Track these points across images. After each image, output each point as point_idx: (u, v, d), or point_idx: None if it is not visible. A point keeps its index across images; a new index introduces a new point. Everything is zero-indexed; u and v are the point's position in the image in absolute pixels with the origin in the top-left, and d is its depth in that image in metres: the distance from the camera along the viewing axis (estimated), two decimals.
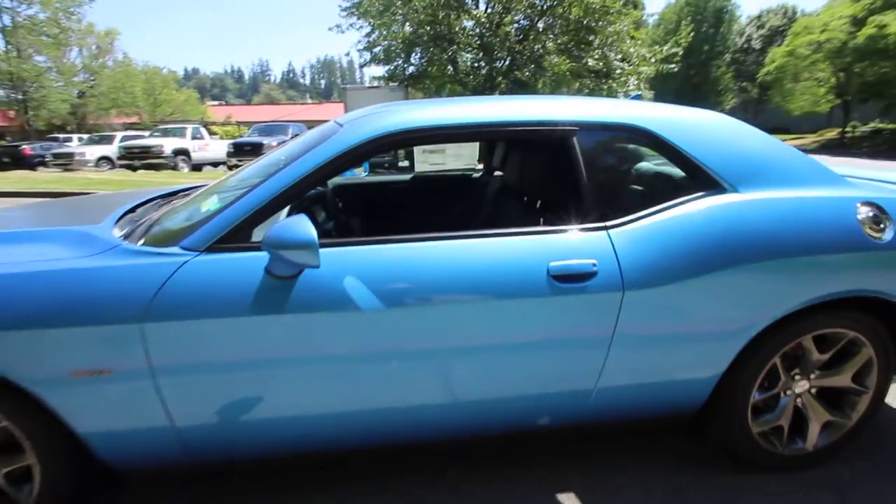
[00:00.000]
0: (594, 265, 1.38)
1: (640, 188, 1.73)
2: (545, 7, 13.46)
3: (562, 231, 1.43)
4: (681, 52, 14.74)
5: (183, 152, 15.27)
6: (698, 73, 36.00)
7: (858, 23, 22.64)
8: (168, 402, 1.27)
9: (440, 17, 13.00)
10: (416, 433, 1.49)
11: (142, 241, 1.39)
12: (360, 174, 2.99)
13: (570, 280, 1.37)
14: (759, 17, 45.22)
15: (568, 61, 13.30)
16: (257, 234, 1.31)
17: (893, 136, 22.85)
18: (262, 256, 1.28)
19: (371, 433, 1.46)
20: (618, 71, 13.77)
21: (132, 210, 1.80)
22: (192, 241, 1.30)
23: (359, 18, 13.85)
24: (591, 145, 1.51)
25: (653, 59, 14.09)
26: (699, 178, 1.51)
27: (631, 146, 2.01)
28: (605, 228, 1.43)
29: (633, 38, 14.04)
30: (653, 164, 2.31)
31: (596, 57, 13.50)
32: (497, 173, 2.75)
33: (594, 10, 12.99)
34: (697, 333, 1.47)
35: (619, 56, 13.85)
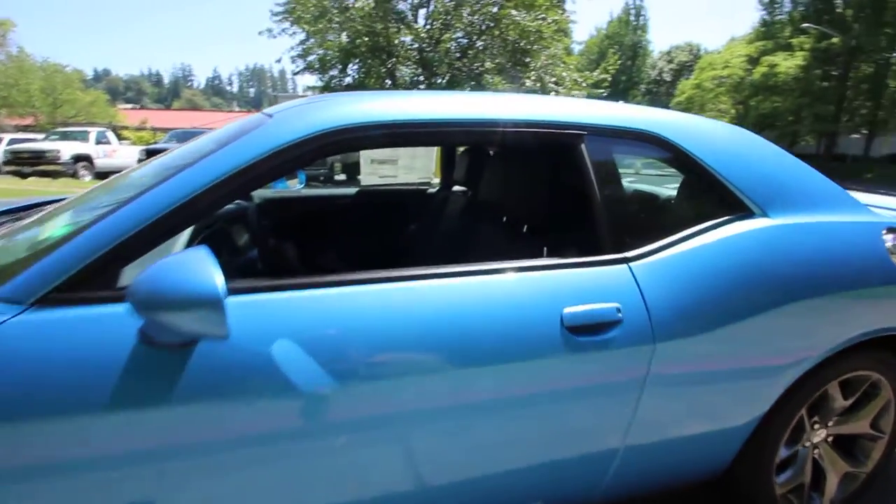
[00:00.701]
0: (618, 310, 1.05)
1: (654, 210, 1.43)
2: (484, 27, 13.62)
3: (573, 265, 1.09)
4: (609, 79, 15.54)
5: (85, 158, 13.54)
6: (618, 102, 38.71)
7: (754, 61, 25.45)
8: None
9: (379, 28, 12.70)
10: None
11: None
12: (295, 186, 2.50)
13: (589, 332, 1.03)
14: (668, 52, 49.82)
15: (504, 82, 13.52)
16: (130, 276, 0.84)
17: None
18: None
19: None
20: (552, 94, 14.19)
21: None
22: (13, 290, 0.81)
23: (292, 24, 13.18)
24: (602, 155, 1.19)
25: (584, 84, 14.69)
26: (726, 200, 1.25)
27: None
28: (626, 261, 1.12)
29: (564, 63, 14.58)
30: (626, 181, 2.08)
31: (532, 78, 13.84)
32: (458, 188, 2.40)
33: (529, 33, 13.35)
34: (735, 385, 1.21)
35: (554, 79, 14.30)
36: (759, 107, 25.32)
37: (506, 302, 1.02)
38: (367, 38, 12.85)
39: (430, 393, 0.97)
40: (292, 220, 2.15)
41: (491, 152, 1.84)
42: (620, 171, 1.25)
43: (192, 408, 0.82)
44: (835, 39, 21.17)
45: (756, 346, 1.19)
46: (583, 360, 1.03)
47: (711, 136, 1.30)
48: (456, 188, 2.39)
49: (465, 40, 14.05)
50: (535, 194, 1.35)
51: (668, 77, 47.26)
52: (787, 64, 23.10)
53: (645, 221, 1.30)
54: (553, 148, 1.20)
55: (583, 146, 1.17)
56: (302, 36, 13.38)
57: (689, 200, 1.31)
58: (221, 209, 1.05)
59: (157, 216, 0.86)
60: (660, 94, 44.78)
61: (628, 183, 2.00)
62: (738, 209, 1.25)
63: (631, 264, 1.12)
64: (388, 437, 0.97)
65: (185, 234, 1.17)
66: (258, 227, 1.52)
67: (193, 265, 0.75)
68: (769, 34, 26.02)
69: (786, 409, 1.32)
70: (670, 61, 48.75)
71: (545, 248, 1.22)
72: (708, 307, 1.12)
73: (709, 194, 1.28)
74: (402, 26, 13.19)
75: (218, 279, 0.75)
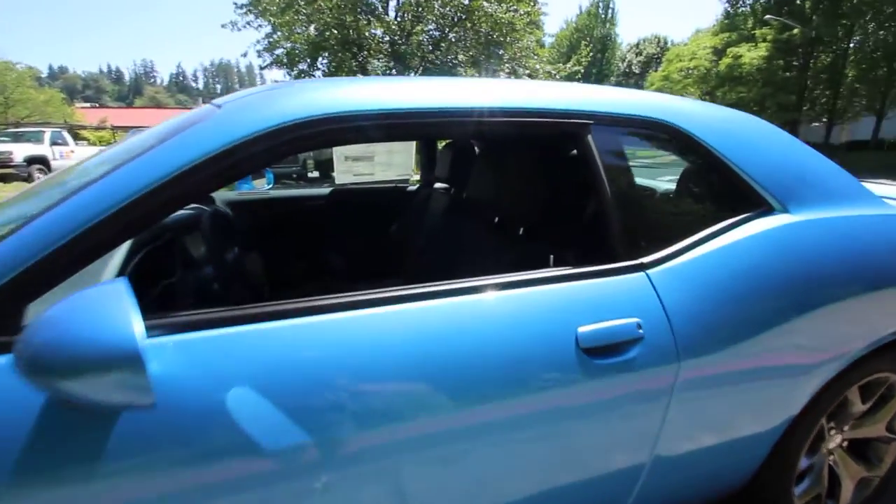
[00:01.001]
0: (639, 326, 0.92)
1: (666, 207, 1.30)
2: (456, 19, 13.43)
3: (585, 276, 0.95)
4: (582, 71, 15.60)
5: (39, 160, 12.83)
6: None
7: (719, 53, 26.01)
8: None
9: (348, 20, 12.34)
10: None
11: None
12: (262, 186, 2.30)
13: (607, 353, 0.89)
14: (637, 45, 50.62)
15: (478, 75, 13.38)
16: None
17: None
18: None
19: None
20: None
21: None
22: None
23: (257, 17, 12.68)
24: (612, 147, 1.05)
25: (557, 76, 14.67)
26: (744, 195, 1.13)
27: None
28: (642, 268, 0.99)
29: (537, 55, 14.53)
30: None
31: (506, 70, 13.74)
32: (439, 185, 2.24)
33: (502, 25, 13.22)
34: (763, 395, 1.11)
35: (527, 72, 14.23)
36: (725, 97, 25.87)
37: (512, 323, 0.87)
38: (336, 31, 12.49)
39: (426, 436, 0.82)
40: (258, 225, 1.95)
41: (480, 145, 1.68)
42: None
43: (116, 482, 0.64)
44: (795, 31, 21.78)
45: (785, 352, 1.08)
46: (602, 385, 0.89)
47: (727, 124, 1.17)
48: (438, 185, 2.23)
49: (438, 32, 13.82)
50: (536, 193, 1.20)
51: (637, 69, 48.00)
52: (751, 55, 23.68)
53: (658, 221, 1.17)
54: (556, 139, 1.06)
55: (589, 137, 1.03)
56: (268, 29, 12.91)
57: (703, 196, 1.19)
58: (166, 219, 0.86)
59: (70, 235, 0.67)
60: (629, 87, 45.40)
61: None
62: (757, 205, 1.14)
63: (648, 272, 0.98)
64: (386, 482, 0.82)
65: (122, 250, 0.98)
66: (217, 236, 1.32)
67: (100, 309, 0.57)
68: (732, 26, 26.61)
69: (809, 416, 1.23)
70: (639, 53, 49.52)
71: (551, 256, 1.07)
72: (734, 315, 1.00)
73: (725, 189, 1.15)
74: (372, 18, 12.86)
75: (136, 327, 0.57)
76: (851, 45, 22.21)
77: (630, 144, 1.08)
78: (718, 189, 1.16)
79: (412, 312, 0.83)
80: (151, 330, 0.71)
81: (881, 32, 20.56)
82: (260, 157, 0.81)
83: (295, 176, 10.99)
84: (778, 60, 23.41)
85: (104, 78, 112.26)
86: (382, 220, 2.23)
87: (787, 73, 23.54)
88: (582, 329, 0.88)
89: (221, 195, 2.05)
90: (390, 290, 0.83)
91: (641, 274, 0.98)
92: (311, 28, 12.82)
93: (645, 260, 1.00)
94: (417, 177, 2.69)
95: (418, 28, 13.32)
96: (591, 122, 1.04)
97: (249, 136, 0.79)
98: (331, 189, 2.37)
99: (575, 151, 1.03)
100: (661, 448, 1.00)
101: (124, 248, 1.00)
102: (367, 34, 12.83)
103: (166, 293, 1.04)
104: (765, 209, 1.13)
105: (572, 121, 1.03)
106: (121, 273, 0.92)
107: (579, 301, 0.92)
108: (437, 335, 0.82)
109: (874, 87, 21.21)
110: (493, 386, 0.83)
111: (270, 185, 2.37)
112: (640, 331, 0.92)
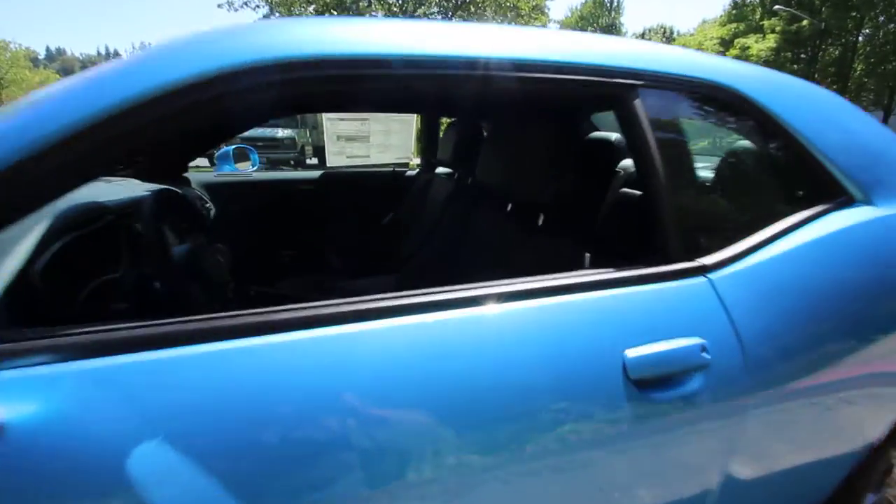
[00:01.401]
0: (703, 349, 0.71)
1: (725, 195, 1.07)
2: (459, 2, 13.10)
3: (629, 280, 0.74)
4: None
5: None
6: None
7: (726, 44, 25.65)
8: None
9: (348, 2, 12.02)
10: None
11: None
12: (245, 169, 2.08)
13: (663, 385, 0.68)
14: (642, 35, 50.03)
15: None
16: None
17: None
18: None
19: None
20: None
21: None
22: None
23: None
24: (665, 116, 0.83)
25: None
26: (820, 182, 0.91)
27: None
28: (704, 271, 0.77)
29: None
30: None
31: None
32: (442, 170, 2.03)
33: (506, 9, 12.93)
34: (840, 427, 0.92)
35: None
36: None
37: (538, 343, 0.66)
38: (335, 12, 12.15)
39: (434, 480, 0.61)
40: (238, 212, 1.73)
41: (493, 113, 1.44)
42: None
43: None
44: (804, 22, 21.40)
45: (873, 371, 0.88)
46: (656, 423, 0.68)
47: (805, 97, 0.94)
48: (441, 170, 2.02)
49: (440, 16, 13.49)
50: (562, 173, 0.98)
51: None
52: (759, 46, 23.34)
53: (721, 213, 0.94)
54: (590, 104, 0.83)
55: (637, 102, 0.80)
56: (265, 10, 12.57)
57: (771, 183, 0.97)
58: (88, 189, 0.65)
59: None
60: None
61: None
62: (835, 195, 0.92)
63: (711, 276, 0.77)
64: None
65: (36, 232, 0.76)
66: (177, 224, 1.10)
67: None
68: (740, 16, 26.24)
69: (887, 445, 1.03)
70: None
71: (586, 255, 0.85)
72: (817, 329, 0.79)
73: (798, 174, 0.93)
74: (372, 0, 12.54)
75: None
76: (861, 38, 21.83)
77: (686, 114, 0.86)
78: (790, 174, 0.94)
79: (413, 328, 0.62)
80: (53, 352, 0.51)
81: (891, 25, 20.19)
82: (206, 109, 0.59)
83: (292, 163, 10.65)
84: (786, 52, 23.05)
85: (102, 60, 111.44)
86: (378, 209, 2.01)
87: (795, 66, 23.17)
88: (630, 353, 0.67)
89: (198, 177, 1.83)
90: (386, 299, 0.63)
91: (703, 279, 0.76)
92: (311, 9, 12.49)
93: (706, 261, 0.78)
94: (417, 161, 2.46)
95: (420, 11, 12.99)
96: (638, 83, 0.80)
97: (197, 76, 0.58)
98: (321, 172, 2.15)
99: (625, 120, 0.80)
100: (719, 489, 0.80)
101: (40, 230, 0.78)
102: (368, 16, 12.51)
103: (95, 297, 0.83)
104: (844, 200, 0.92)
105: (614, 80, 0.79)
106: (29, 266, 0.71)
107: (624, 315, 0.70)
108: (444, 358, 0.61)
109: (882, 81, 20.89)
110: (515, 423, 0.63)
111: (255, 168, 2.14)
112: (706, 355, 0.71)
